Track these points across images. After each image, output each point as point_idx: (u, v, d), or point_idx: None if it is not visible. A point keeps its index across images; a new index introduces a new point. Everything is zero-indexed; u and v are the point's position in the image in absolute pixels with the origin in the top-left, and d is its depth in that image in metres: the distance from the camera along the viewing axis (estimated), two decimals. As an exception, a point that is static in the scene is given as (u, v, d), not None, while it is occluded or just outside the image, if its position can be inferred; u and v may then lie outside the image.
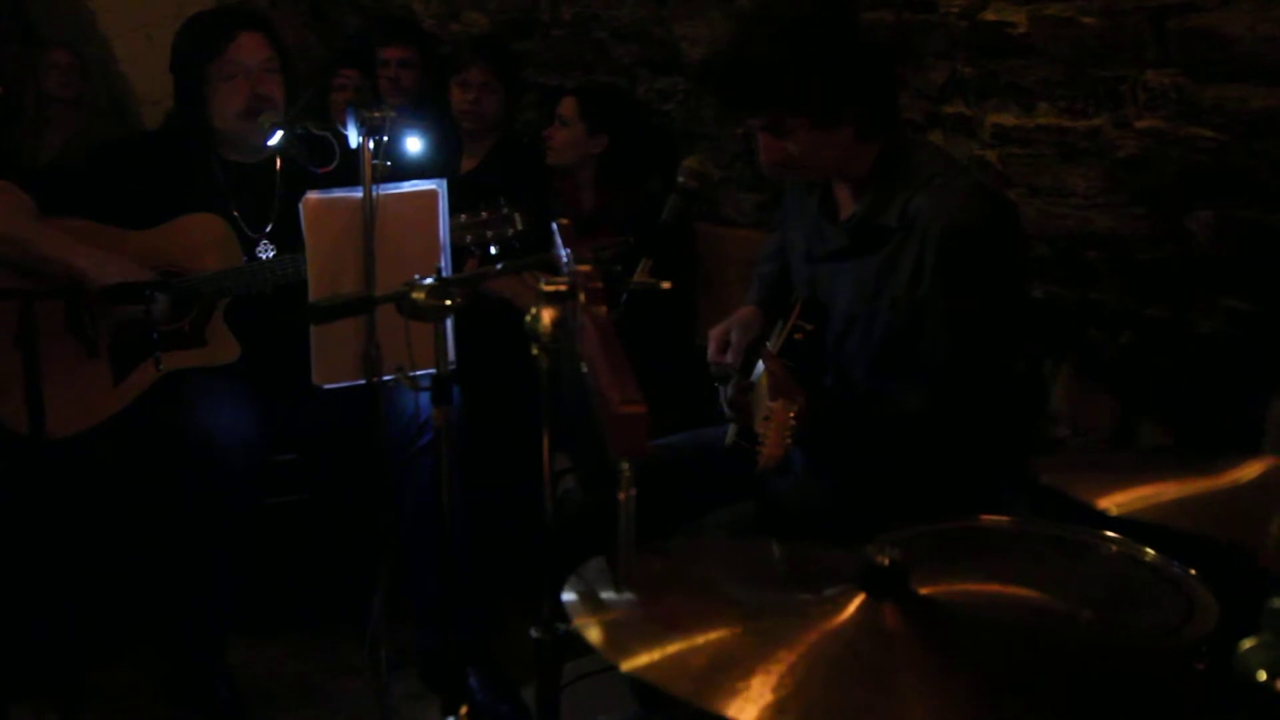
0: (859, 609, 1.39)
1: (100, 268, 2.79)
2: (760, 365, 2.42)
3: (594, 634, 1.40)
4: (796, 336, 2.42)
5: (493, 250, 2.78)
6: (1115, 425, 2.95)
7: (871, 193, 2.33)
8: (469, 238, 2.76)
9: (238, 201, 3.03)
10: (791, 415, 2.08)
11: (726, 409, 2.49)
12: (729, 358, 2.48)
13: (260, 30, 3.03)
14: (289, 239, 2.86)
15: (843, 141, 2.29)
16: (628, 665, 1.32)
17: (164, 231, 2.96)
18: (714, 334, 2.56)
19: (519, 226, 2.77)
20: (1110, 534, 1.86)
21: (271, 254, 3.01)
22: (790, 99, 2.22)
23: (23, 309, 2.48)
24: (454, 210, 2.69)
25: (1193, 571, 1.77)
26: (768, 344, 2.48)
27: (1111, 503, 1.64)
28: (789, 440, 2.08)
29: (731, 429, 2.49)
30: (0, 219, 2.85)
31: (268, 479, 3.05)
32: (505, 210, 2.78)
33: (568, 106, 3.81)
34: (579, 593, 1.49)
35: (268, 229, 3.03)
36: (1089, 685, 1.42)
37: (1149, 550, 1.82)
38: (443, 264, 2.58)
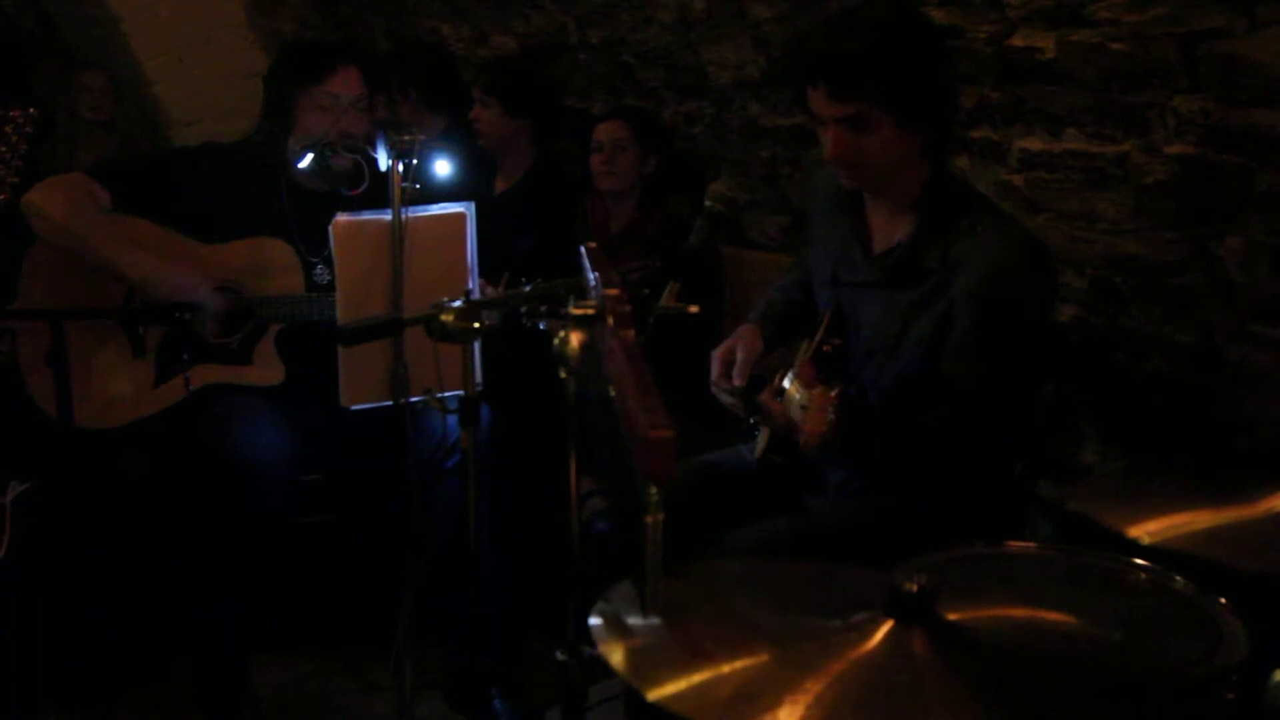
0: (887, 635, 1.38)
1: (158, 281, 2.84)
2: (791, 374, 2.41)
3: (619, 661, 1.40)
4: (825, 349, 2.41)
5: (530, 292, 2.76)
6: (1142, 452, 2.94)
7: (913, 226, 2.33)
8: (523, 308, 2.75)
9: (298, 224, 3.06)
10: (833, 395, 2.05)
11: (751, 420, 2.48)
12: (736, 378, 2.45)
13: (359, 67, 3.07)
14: None
15: (910, 151, 2.29)
16: (654, 695, 1.32)
17: (234, 249, 3.00)
18: (717, 355, 2.52)
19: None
20: (1139, 561, 1.85)
21: (328, 278, 3.03)
22: (888, 92, 2.21)
23: (54, 331, 2.51)
24: (514, 281, 2.66)
25: (1223, 601, 1.76)
26: (796, 357, 2.48)
27: (1142, 531, 1.63)
28: (832, 418, 2.04)
29: (760, 440, 2.48)
30: (68, 212, 2.90)
31: (295, 498, 3.06)
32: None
33: (620, 130, 3.79)
34: (605, 617, 1.49)
35: (326, 253, 3.04)
36: (1117, 713, 1.41)
37: (1179, 578, 1.81)
38: (471, 286, 2.59)
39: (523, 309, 2.65)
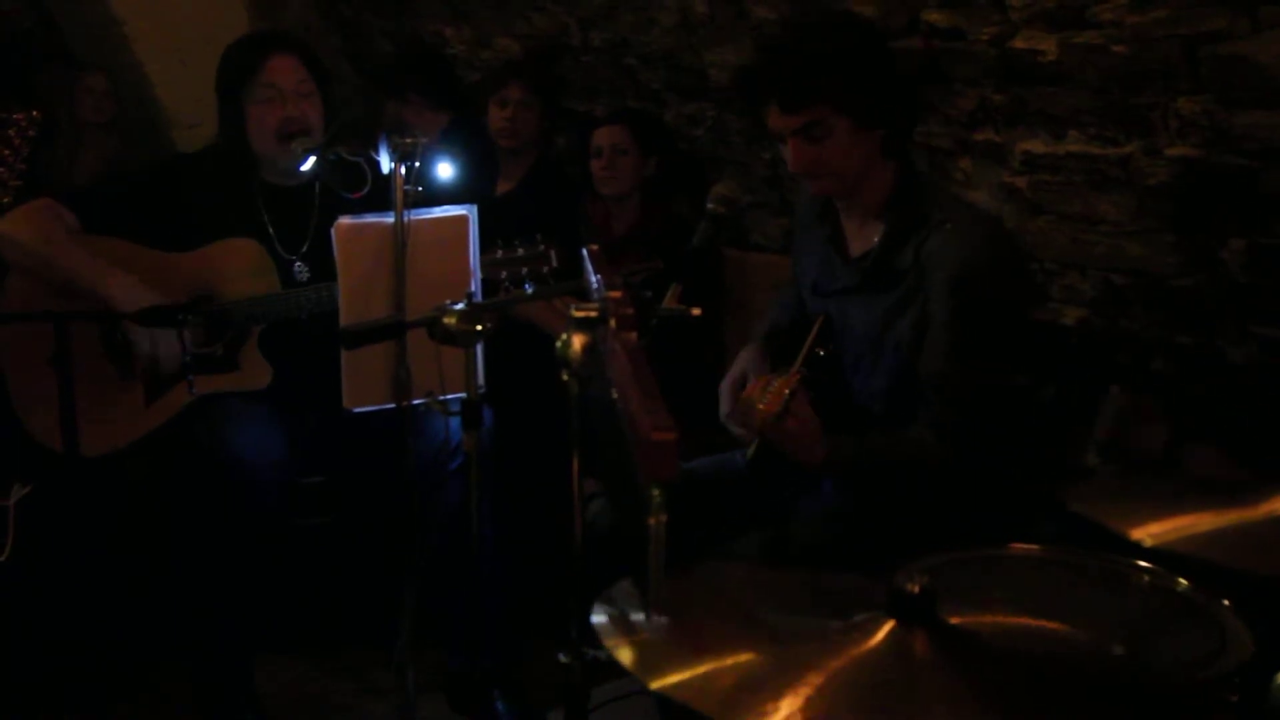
0: (888, 636, 1.39)
1: (130, 295, 2.81)
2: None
3: (623, 653, 1.41)
4: (819, 351, 2.44)
5: (527, 288, 2.78)
6: (1165, 450, 2.93)
7: (884, 229, 2.36)
8: (503, 273, 2.76)
9: (275, 223, 3.05)
10: (792, 377, 2.20)
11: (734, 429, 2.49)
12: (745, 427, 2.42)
13: (294, 53, 3.04)
14: (324, 260, 2.89)
15: (871, 151, 2.33)
16: (656, 684, 1.33)
17: (202, 255, 2.98)
18: (726, 386, 2.52)
19: (554, 263, 2.77)
20: (1142, 563, 1.84)
21: (307, 275, 3.03)
22: (837, 95, 2.26)
23: (57, 331, 2.51)
24: (490, 242, 2.69)
25: (1226, 603, 1.76)
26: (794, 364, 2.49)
27: (1145, 533, 1.63)
28: (786, 401, 2.18)
29: (753, 445, 2.48)
30: (35, 238, 2.89)
31: (296, 501, 3.06)
32: (541, 247, 2.78)
33: (619, 135, 3.79)
34: (608, 616, 1.49)
35: (303, 249, 3.05)
36: (1119, 715, 1.41)
37: (1182, 580, 1.80)
38: (473, 289, 2.59)
39: (503, 275, 2.70)
